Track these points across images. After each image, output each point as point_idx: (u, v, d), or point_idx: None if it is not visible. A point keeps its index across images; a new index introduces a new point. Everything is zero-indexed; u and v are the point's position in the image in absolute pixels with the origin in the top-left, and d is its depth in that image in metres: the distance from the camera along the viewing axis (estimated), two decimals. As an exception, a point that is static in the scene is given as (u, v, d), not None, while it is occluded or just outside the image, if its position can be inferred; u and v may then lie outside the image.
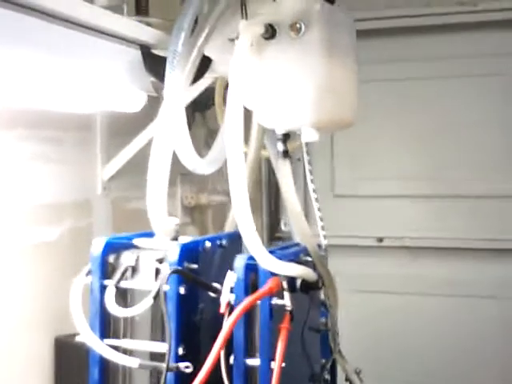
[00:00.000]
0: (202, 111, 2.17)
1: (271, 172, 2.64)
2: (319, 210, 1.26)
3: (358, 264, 2.49)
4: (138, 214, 1.45)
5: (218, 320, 1.06)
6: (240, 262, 1.07)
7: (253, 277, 1.08)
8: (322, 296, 1.29)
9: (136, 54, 1.29)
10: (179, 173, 1.32)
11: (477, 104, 2.48)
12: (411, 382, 2.51)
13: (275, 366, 1.03)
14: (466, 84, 2.48)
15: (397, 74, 2.52)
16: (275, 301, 1.06)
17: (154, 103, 1.53)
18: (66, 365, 1.53)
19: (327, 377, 1.36)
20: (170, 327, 1.03)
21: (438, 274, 2.51)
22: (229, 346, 1.03)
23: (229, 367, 1.05)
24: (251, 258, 1.08)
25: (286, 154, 1.14)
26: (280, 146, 1.14)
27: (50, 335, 1.57)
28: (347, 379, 1.37)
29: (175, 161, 1.17)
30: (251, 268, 1.08)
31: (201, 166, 1.23)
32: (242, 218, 1.05)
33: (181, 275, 1.07)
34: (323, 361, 1.32)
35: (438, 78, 2.51)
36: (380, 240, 2.57)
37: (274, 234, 2.42)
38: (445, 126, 2.55)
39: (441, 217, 2.58)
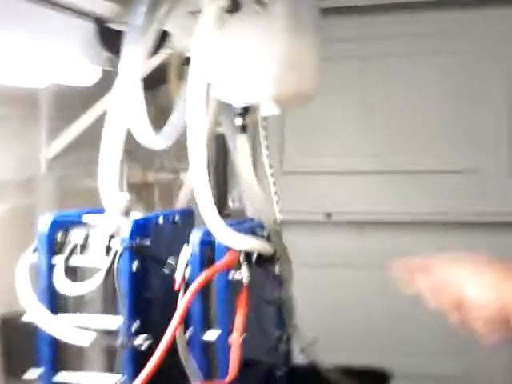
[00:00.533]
0: (152, 89, 2.13)
1: (219, 149, 2.64)
2: (274, 184, 1.24)
3: (308, 239, 2.50)
4: (84, 192, 1.42)
5: (173, 296, 1.03)
6: (196, 236, 1.05)
7: (208, 252, 1.06)
8: (277, 270, 1.28)
9: (90, 28, 1.25)
10: (125, 150, 1.29)
11: (432, 82, 2.51)
12: (362, 351, 2.54)
13: (235, 339, 1.01)
14: (422, 62, 2.50)
15: (356, 52, 2.53)
16: (232, 275, 1.04)
17: (103, 79, 1.49)
18: (14, 343, 1.48)
19: (283, 349, 1.36)
20: (124, 302, 1.00)
21: (386, 248, 2.54)
22: (185, 321, 1.01)
23: (186, 343, 1.02)
24: (206, 233, 1.06)
25: (244, 128, 1.12)
26: (238, 121, 1.12)
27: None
28: (302, 350, 1.37)
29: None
30: (207, 243, 1.05)
31: (156, 140, 1.19)
32: (202, 192, 1.03)
33: (134, 251, 1.04)
34: (278, 333, 1.32)
35: (397, 57, 2.52)
36: (328, 215, 2.59)
37: (222, 212, 2.40)
38: (398, 104, 2.57)
39: (388, 192, 2.61)
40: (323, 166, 2.67)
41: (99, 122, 1.10)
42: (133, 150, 1.99)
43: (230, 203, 2.71)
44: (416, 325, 2.54)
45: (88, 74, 1.39)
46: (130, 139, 1.16)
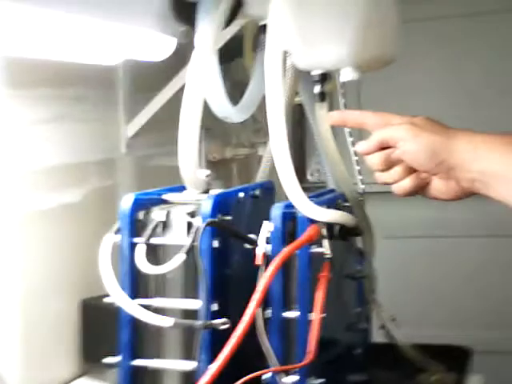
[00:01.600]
0: (225, 63, 2.11)
1: (295, 120, 2.60)
2: (355, 154, 1.21)
3: (389, 211, 2.45)
4: (164, 171, 1.41)
5: (252, 273, 1.01)
6: (277, 210, 1.03)
7: (290, 226, 1.03)
8: (359, 243, 1.26)
9: (164, 0, 1.23)
10: (203, 128, 1.28)
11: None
12: (444, 324, 2.49)
13: (315, 316, 0.99)
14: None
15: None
16: (314, 249, 1.01)
17: (178, 54, 1.48)
18: (94, 327, 1.50)
19: (362, 326, 1.33)
20: (205, 280, 0.99)
21: (468, 217, 2.47)
22: (264, 300, 0.98)
23: (264, 322, 1.00)
24: (288, 206, 1.03)
25: (323, 96, 1.09)
26: (317, 88, 1.08)
27: (78, 298, 1.54)
28: (382, 327, 1.34)
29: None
30: (289, 217, 1.03)
31: (233, 113, 1.18)
32: (283, 164, 1.01)
33: (216, 227, 1.03)
34: (359, 309, 1.29)
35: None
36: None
37: (300, 185, 2.38)
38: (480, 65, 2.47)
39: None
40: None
41: (177, 99, 1.09)
42: (210, 127, 2.00)
43: (309, 176, 2.68)
44: (499, 297, 2.51)
45: (163, 47, 1.38)
46: (207, 116, 1.15)
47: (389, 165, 0.98)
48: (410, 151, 0.95)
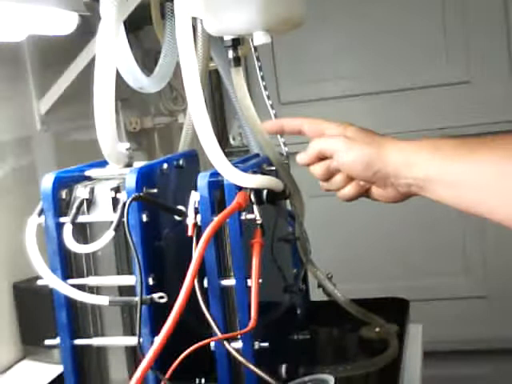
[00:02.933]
0: (134, 32, 2.08)
1: (213, 86, 2.59)
2: (275, 116, 1.20)
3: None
4: (83, 146, 1.38)
5: (185, 245, 1.00)
6: (203, 180, 1.01)
7: (218, 194, 1.02)
8: (288, 206, 1.26)
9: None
10: (119, 99, 1.25)
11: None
12: (380, 279, 2.55)
13: (252, 282, 0.98)
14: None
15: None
16: (244, 216, 1.01)
17: (85, 26, 1.43)
18: (29, 310, 1.47)
19: (301, 286, 1.34)
20: (137, 255, 0.98)
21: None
22: (200, 270, 0.97)
23: (203, 291, 1.00)
24: (214, 174, 1.02)
25: (237, 60, 1.07)
26: (231, 53, 1.07)
27: (8, 282, 1.50)
28: (319, 285, 1.36)
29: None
30: (215, 185, 1.02)
31: (148, 83, 1.15)
32: (204, 131, 0.99)
33: (142, 201, 1.01)
34: (295, 271, 1.30)
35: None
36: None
37: (224, 150, 2.37)
38: (389, 22, 2.53)
39: (389, 112, 2.58)
40: (320, 92, 2.63)
41: (89, 71, 1.05)
42: (127, 97, 1.97)
43: (232, 140, 2.68)
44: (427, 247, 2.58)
45: (66, 21, 1.34)
46: (122, 88, 1.12)
47: (330, 174, 1.04)
48: (346, 163, 1.00)
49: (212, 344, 1.01)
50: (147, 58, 1.94)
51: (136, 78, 1.13)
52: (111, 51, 1.03)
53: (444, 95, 2.55)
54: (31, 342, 1.47)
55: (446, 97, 2.55)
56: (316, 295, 1.40)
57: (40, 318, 1.38)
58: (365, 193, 1.05)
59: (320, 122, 1.07)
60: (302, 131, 1.07)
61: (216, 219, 0.97)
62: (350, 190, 1.04)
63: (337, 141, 1.01)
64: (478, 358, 2.60)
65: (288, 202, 1.23)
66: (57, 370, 1.28)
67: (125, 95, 1.87)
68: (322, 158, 1.03)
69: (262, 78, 1.21)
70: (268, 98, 1.22)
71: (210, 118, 1.00)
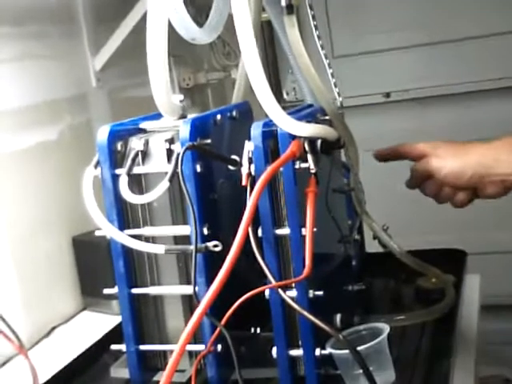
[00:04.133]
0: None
1: (266, 40, 2.57)
2: (330, 66, 1.18)
3: (369, 123, 2.44)
4: (138, 102, 1.39)
5: (238, 194, 1.00)
6: (256, 129, 1.00)
7: (271, 144, 1.01)
8: (343, 156, 1.25)
9: None
10: (171, 55, 1.25)
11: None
12: (438, 232, 2.52)
13: (307, 231, 0.98)
14: None
15: None
16: (298, 165, 1.00)
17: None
18: (89, 262, 1.51)
19: (356, 237, 1.34)
20: (192, 207, 0.98)
21: (447, 122, 2.47)
22: (254, 220, 0.98)
23: (258, 240, 1.00)
24: (267, 124, 1.01)
25: (290, 8, 1.06)
26: (283, 1, 1.06)
27: (68, 235, 1.54)
28: (375, 237, 1.35)
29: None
30: (269, 135, 1.01)
31: (200, 34, 1.14)
32: (258, 80, 0.97)
33: (196, 151, 1.01)
34: (350, 222, 1.29)
35: None
36: (387, 95, 2.52)
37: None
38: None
39: (443, 64, 2.53)
40: (374, 44, 2.59)
41: (143, 26, 1.05)
42: (180, 54, 1.96)
43: (285, 95, 2.66)
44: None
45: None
46: (175, 45, 1.12)
47: (438, 189, 1.19)
48: (451, 174, 1.16)
49: (266, 292, 1.01)
50: (199, 14, 1.93)
51: (188, 29, 1.13)
52: (163, 3, 1.03)
53: (503, 44, 2.48)
54: (91, 293, 1.51)
55: (504, 46, 2.47)
56: (372, 247, 1.39)
57: (99, 269, 1.41)
58: (475, 196, 1.18)
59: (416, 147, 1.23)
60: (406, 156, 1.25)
61: (270, 168, 0.96)
62: (459, 197, 1.18)
63: (431, 161, 1.17)
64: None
65: (343, 152, 1.22)
66: (115, 320, 1.31)
67: (178, 52, 1.86)
68: (425, 178, 1.19)
69: (316, 27, 1.20)
70: (322, 47, 1.20)
71: (264, 71, 0.99)
